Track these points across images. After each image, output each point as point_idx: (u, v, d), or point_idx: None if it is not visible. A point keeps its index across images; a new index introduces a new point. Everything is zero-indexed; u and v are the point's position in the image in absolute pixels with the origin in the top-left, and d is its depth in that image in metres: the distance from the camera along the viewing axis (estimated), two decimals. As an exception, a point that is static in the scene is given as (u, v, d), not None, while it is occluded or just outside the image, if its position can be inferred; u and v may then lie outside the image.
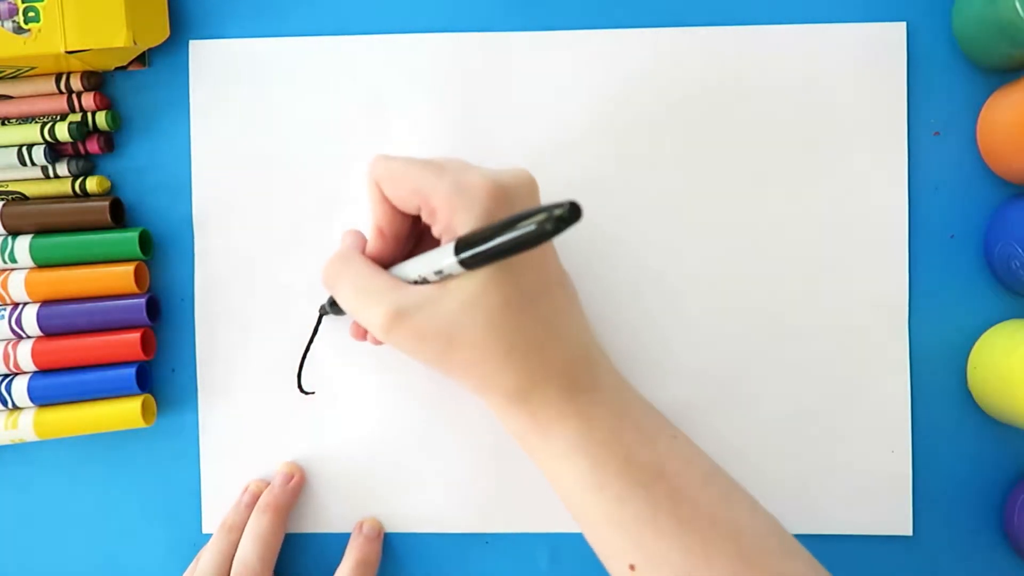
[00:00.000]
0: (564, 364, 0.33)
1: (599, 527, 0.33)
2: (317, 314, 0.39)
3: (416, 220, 0.35)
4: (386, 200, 0.33)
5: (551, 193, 0.37)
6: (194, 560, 0.40)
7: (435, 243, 0.33)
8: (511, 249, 0.28)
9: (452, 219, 0.31)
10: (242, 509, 0.40)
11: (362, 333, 0.38)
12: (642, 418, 0.34)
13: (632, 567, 0.32)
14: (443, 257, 0.30)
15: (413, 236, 0.36)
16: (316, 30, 0.41)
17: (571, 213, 0.26)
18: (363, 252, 0.35)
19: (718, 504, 0.32)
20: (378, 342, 0.38)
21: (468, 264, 0.30)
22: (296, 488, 0.41)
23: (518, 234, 0.27)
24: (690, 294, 0.41)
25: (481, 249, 0.29)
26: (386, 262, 0.35)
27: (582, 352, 0.34)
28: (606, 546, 0.33)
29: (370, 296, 0.33)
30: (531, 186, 0.33)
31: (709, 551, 0.31)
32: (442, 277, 0.31)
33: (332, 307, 0.38)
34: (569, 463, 0.33)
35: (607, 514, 0.32)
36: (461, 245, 0.29)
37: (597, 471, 0.32)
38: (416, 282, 0.33)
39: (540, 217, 0.26)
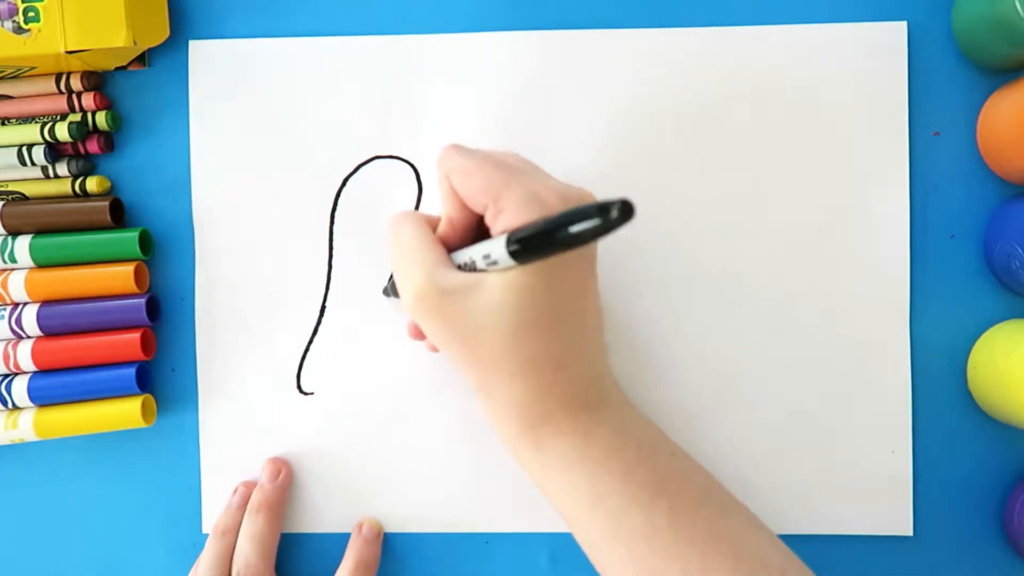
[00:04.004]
0: (574, 384, 0.33)
1: (596, 542, 0.33)
2: (383, 295, 0.40)
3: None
4: (455, 193, 0.33)
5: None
6: (192, 569, 0.40)
7: None
8: (564, 242, 0.28)
9: (517, 224, 0.31)
10: (233, 511, 0.40)
11: (418, 332, 0.38)
12: (641, 436, 0.34)
13: None
14: (495, 244, 0.30)
15: (480, 229, 0.36)
16: (316, 30, 0.41)
17: (622, 212, 0.26)
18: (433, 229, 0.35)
19: (717, 520, 0.32)
20: (435, 349, 0.38)
21: (517, 254, 0.29)
22: (285, 483, 0.40)
23: (577, 229, 0.27)
24: (690, 294, 0.40)
25: (533, 234, 0.28)
26: (450, 249, 0.35)
27: (594, 373, 0.34)
28: (603, 559, 0.33)
29: (414, 258, 0.33)
30: None
31: (707, 566, 0.31)
32: (489, 263, 0.31)
33: (393, 291, 0.38)
34: (564, 477, 0.33)
35: (603, 529, 0.32)
36: (514, 235, 0.29)
37: (593, 486, 0.32)
38: (462, 266, 0.33)
39: (602, 212, 0.26)
